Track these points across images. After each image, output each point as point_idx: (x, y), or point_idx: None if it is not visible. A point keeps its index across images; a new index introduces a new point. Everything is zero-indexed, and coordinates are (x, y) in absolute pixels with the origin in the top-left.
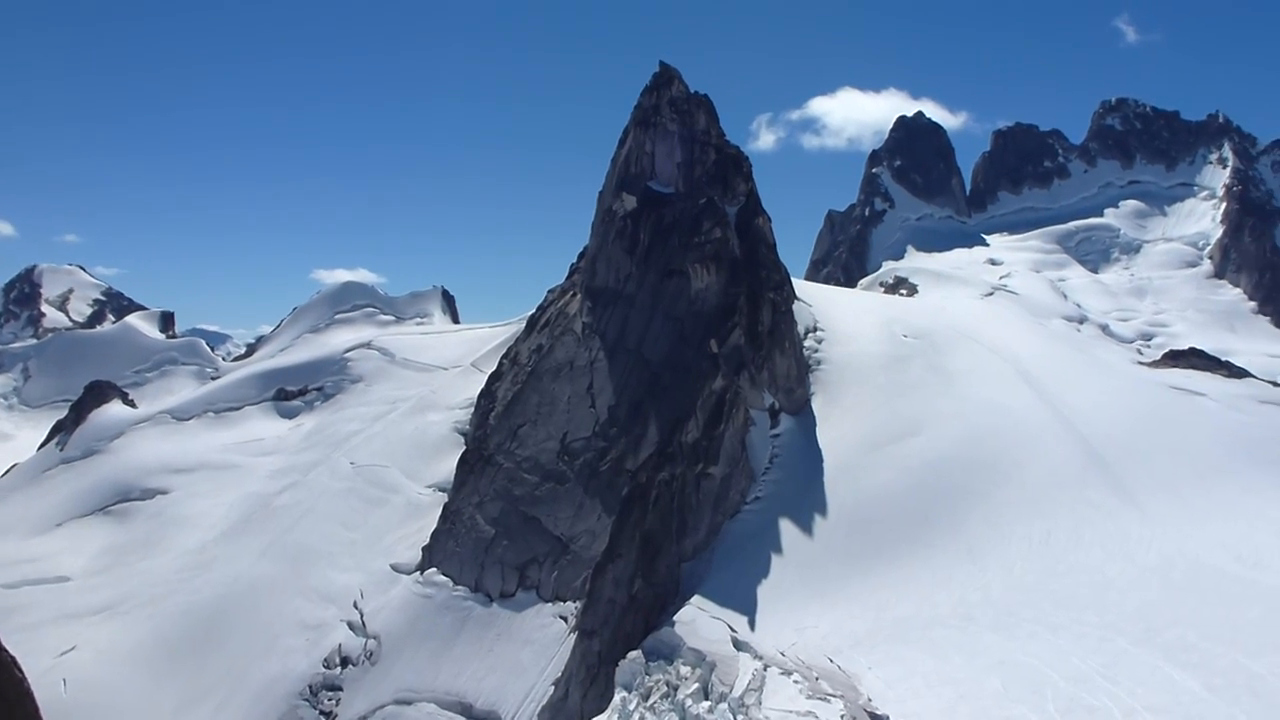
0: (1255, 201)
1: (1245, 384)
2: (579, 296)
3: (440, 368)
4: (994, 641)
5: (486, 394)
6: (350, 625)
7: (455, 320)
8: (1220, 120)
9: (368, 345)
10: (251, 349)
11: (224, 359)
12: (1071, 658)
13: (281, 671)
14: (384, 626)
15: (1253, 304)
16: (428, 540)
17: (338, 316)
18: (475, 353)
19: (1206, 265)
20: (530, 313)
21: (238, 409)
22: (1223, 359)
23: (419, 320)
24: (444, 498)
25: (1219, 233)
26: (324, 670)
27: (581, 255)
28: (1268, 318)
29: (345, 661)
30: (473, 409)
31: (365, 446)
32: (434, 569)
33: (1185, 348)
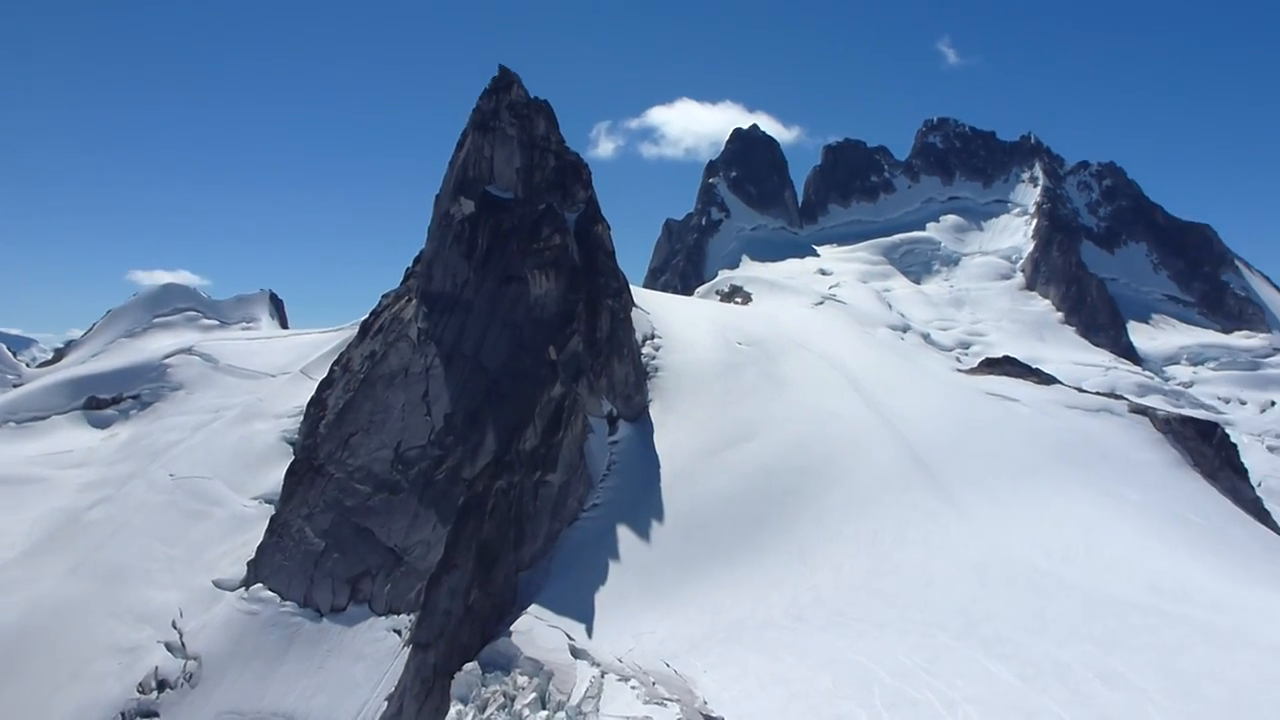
0: (1063, 219)
1: (1054, 390)
2: (414, 302)
3: (267, 374)
4: (824, 640)
5: (317, 402)
6: (168, 646)
7: (284, 325)
8: (1032, 141)
9: (189, 351)
10: (60, 354)
11: (28, 365)
12: (897, 653)
13: (91, 699)
14: (205, 646)
15: (1060, 314)
16: (253, 554)
17: (156, 320)
18: (305, 359)
19: (1019, 278)
20: (363, 318)
21: (44, 419)
22: (1033, 366)
23: (245, 325)
24: (271, 510)
25: (1030, 247)
26: (139, 695)
27: (417, 260)
28: (1074, 327)
29: (162, 685)
30: (302, 417)
31: (186, 457)
32: (260, 584)
33: (1000, 356)
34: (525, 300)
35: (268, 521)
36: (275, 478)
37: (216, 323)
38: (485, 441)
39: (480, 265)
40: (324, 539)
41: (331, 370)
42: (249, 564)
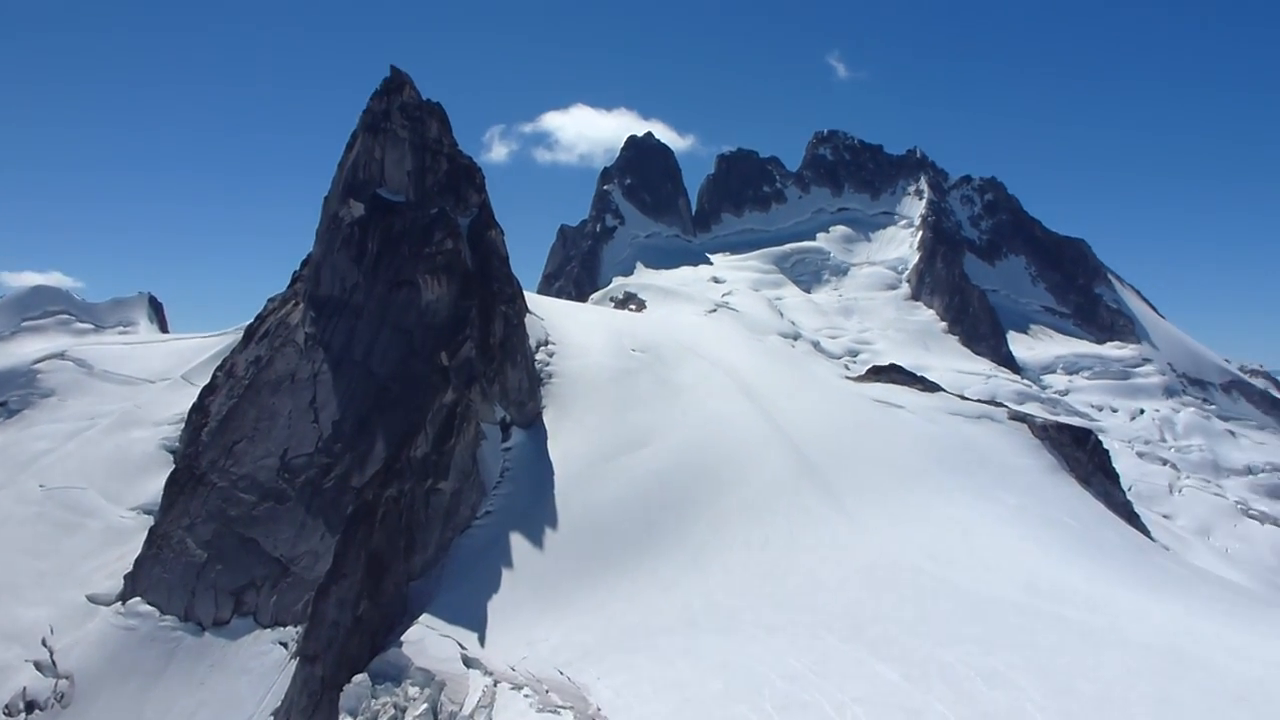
0: (947, 231)
1: (937, 397)
2: (301, 306)
3: (146, 380)
4: (716, 644)
5: (199, 408)
6: (37, 665)
7: (164, 329)
8: (918, 155)
9: (61, 355)
10: None
11: None
12: (787, 656)
13: None
14: (78, 664)
15: (944, 324)
16: (130, 567)
17: (25, 324)
18: (186, 364)
19: (905, 288)
20: (248, 322)
21: None
22: (918, 374)
23: (122, 329)
24: (150, 521)
25: (915, 259)
26: (5, 718)
27: (305, 263)
28: (956, 337)
29: (31, 706)
30: (183, 425)
31: (58, 467)
32: (138, 598)
33: (886, 364)
34: (416, 305)
35: (146, 533)
36: (154, 487)
37: (91, 326)
38: (375, 449)
39: (370, 269)
40: (206, 550)
41: (214, 376)
42: (126, 577)
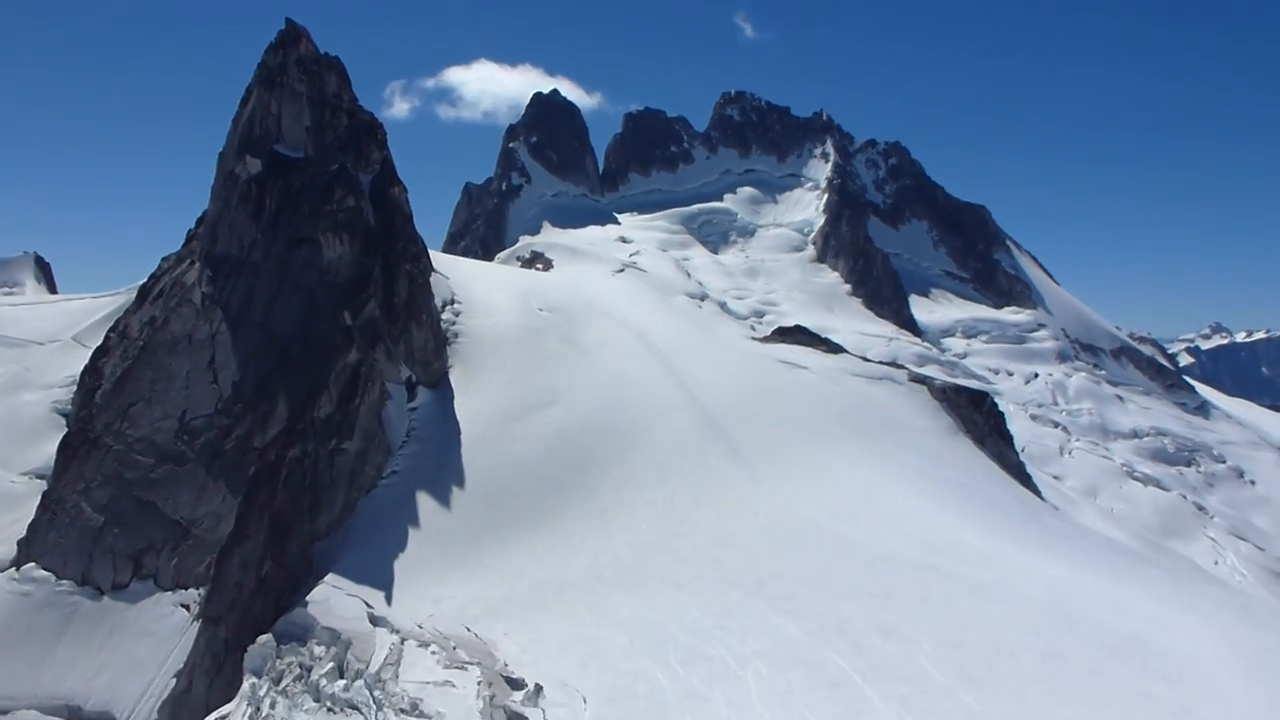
0: (851, 194)
1: (841, 359)
2: (197, 265)
3: (35, 342)
4: (622, 600)
5: (92, 370)
6: None
7: (52, 290)
8: (824, 118)
9: None
10: None
11: None
12: (691, 611)
13: None
14: None
15: (848, 286)
16: (24, 533)
17: None
18: (77, 325)
19: (810, 250)
20: (141, 282)
21: None
22: (822, 336)
23: (7, 290)
24: (43, 485)
25: (821, 221)
26: None
27: (200, 221)
28: (860, 299)
29: None
30: (75, 387)
31: None
32: (32, 564)
33: (791, 325)
34: (317, 264)
35: (39, 497)
36: (47, 451)
37: None
38: (277, 409)
39: (269, 227)
40: (103, 514)
41: (107, 337)
42: (19, 543)
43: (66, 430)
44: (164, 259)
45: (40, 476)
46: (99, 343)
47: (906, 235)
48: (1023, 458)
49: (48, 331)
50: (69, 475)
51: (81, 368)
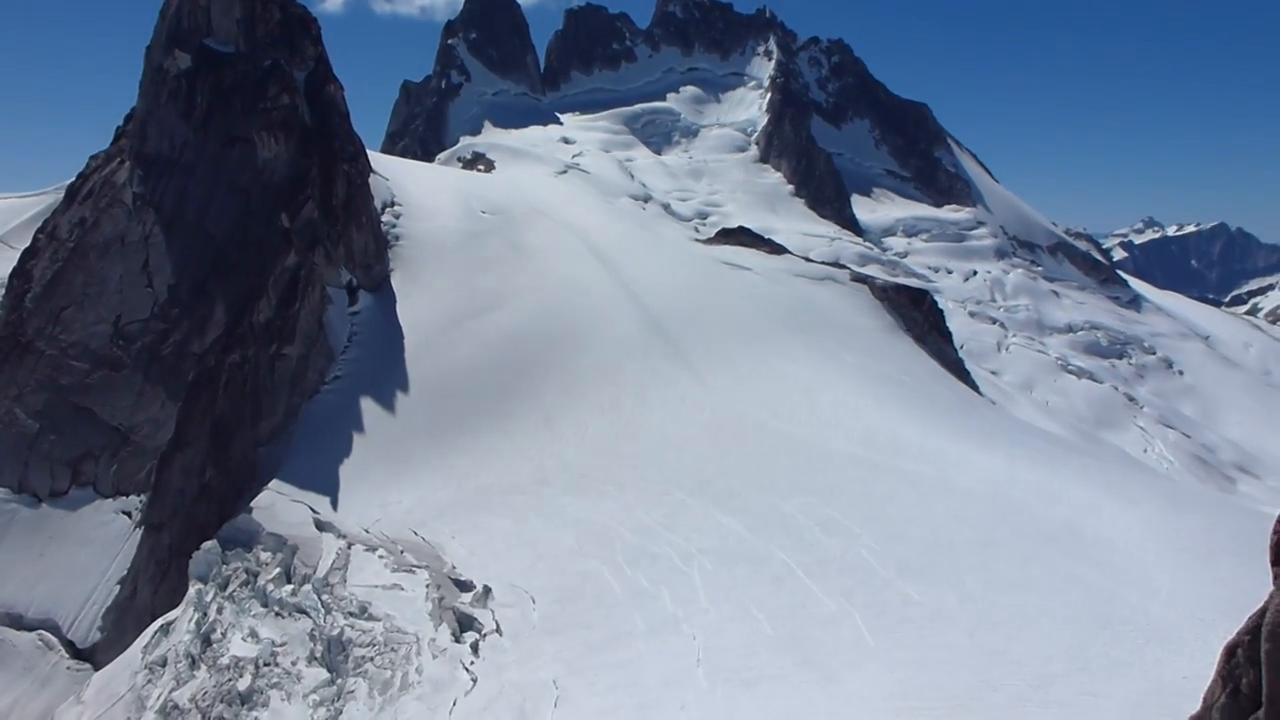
0: (795, 93)
1: (783, 260)
2: (128, 164)
3: None
4: (569, 503)
5: (20, 273)
6: None
7: None
8: (767, 15)
9: None
10: None
11: None
12: (637, 511)
13: None
14: None
15: (791, 187)
16: None
17: None
18: (3, 226)
19: (754, 150)
20: (69, 181)
21: None
22: (766, 237)
23: None
24: None
25: (764, 121)
26: None
27: (129, 118)
28: (803, 200)
29: None
30: (3, 291)
31: None
32: None
33: (735, 226)
34: (252, 164)
35: None
36: None
37: None
38: (215, 314)
39: (201, 126)
40: (38, 420)
41: (35, 239)
42: None
43: None
44: (92, 157)
45: None
46: (26, 244)
47: (849, 134)
48: (961, 354)
49: None
50: (1, 382)
51: (9, 270)
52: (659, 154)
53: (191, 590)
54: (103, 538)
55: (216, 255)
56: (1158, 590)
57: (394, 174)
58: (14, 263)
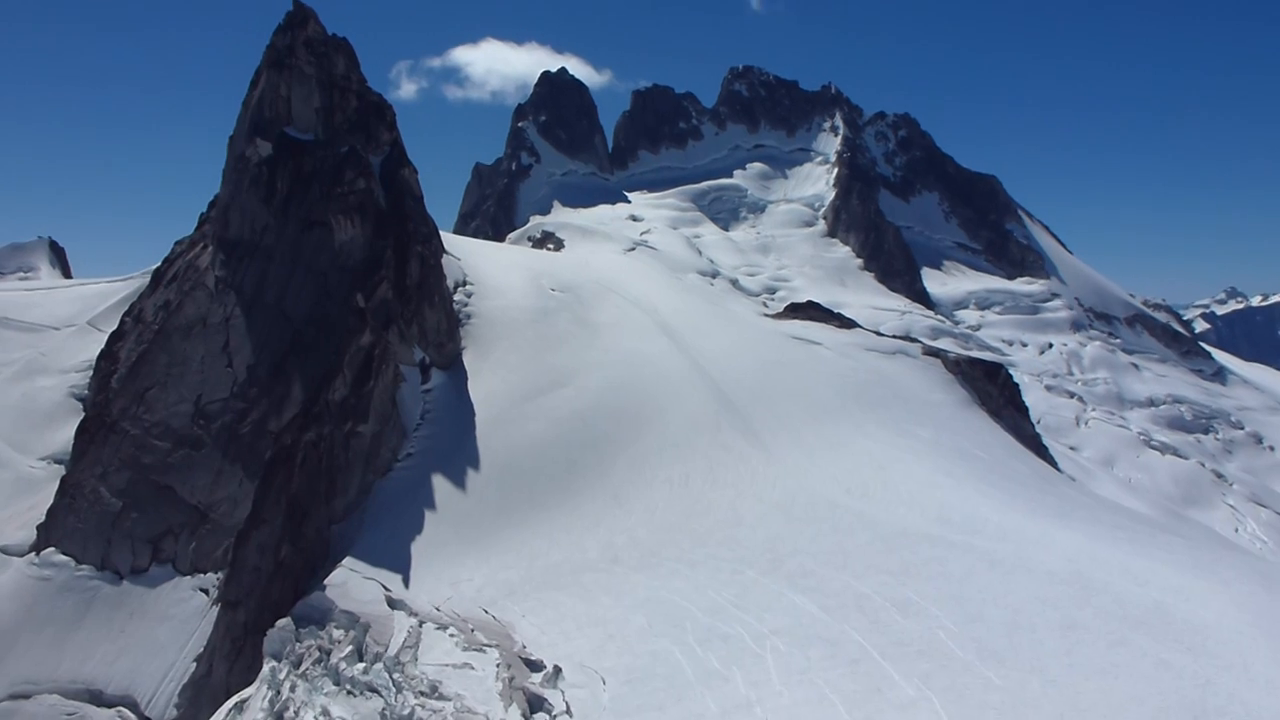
0: (862, 168)
1: (854, 334)
2: (210, 249)
3: (50, 327)
4: (639, 581)
5: (107, 355)
6: None
7: (66, 275)
8: (832, 91)
9: None
10: None
11: None
12: (708, 591)
13: None
14: None
15: (860, 261)
16: (43, 518)
17: None
18: (92, 310)
19: (821, 225)
20: (155, 266)
21: None
22: (835, 311)
23: (22, 275)
24: (60, 470)
25: (831, 195)
26: None
27: (212, 204)
28: (872, 273)
29: None
30: (91, 372)
31: None
32: (52, 549)
33: (804, 301)
34: (329, 247)
35: (58, 483)
36: (64, 436)
37: None
38: (292, 393)
39: (280, 210)
40: (121, 498)
41: (122, 322)
42: (39, 528)
43: (83, 415)
44: (177, 243)
45: (58, 461)
46: (114, 327)
47: (917, 207)
48: (1038, 429)
49: (63, 316)
50: (87, 460)
51: (97, 352)
52: (726, 230)
53: (266, 668)
54: (181, 614)
55: (294, 335)
56: (1255, 677)
57: (466, 254)
58: (102, 345)
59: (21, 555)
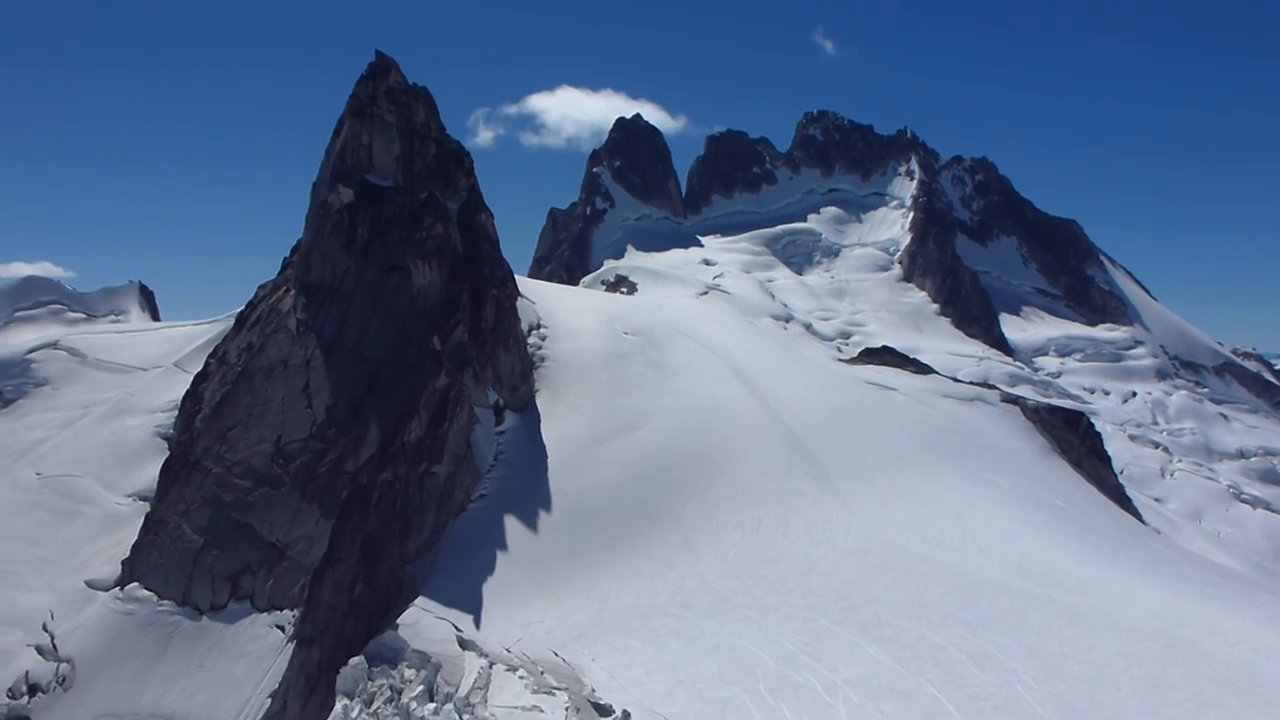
0: (938, 212)
1: (930, 379)
2: (293, 292)
3: (139, 368)
4: (709, 626)
5: (192, 395)
6: (39, 650)
7: (155, 317)
8: (908, 136)
9: (54, 345)
10: None
11: None
12: (780, 638)
13: None
14: (79, 648)
15: (936, 306)
16: (128, 553)
17: (18, 314)
18: (178, 352)
19: (897, 269)
20: (239, 309)
21: None
22: (910, 356)
23: (113, 318)
24: (145, 507)
25: (907, 240)
26: (9, 701)
27: (295, 249)
28: (949, 319)
29: (34, 690)
30: (177, 412)
31: (54, 455)
32: (135, 584)
33: (878, 346)
34: (408, 290)
35: (142, 519)
36: (149, 474)
37: (83, 316)
38: (369, 434)
39: (360, 255)
40: (202, 535)
41: (207, 363)
42: (123, 563)
43: (168, 454)
44: (261, 286)
45: (143, 498)
46: (199, 368)
47: (995, 252)
48: (1122, 480)
49: (151, 358)
50: (170, 497)
51: (183, 393)
52: (800, 274)
53: (338, 706)
54: (257, 651)
55: (372, 377)
56: None
57: (540, 297)
58: (187, 386)
59: (107, 590)
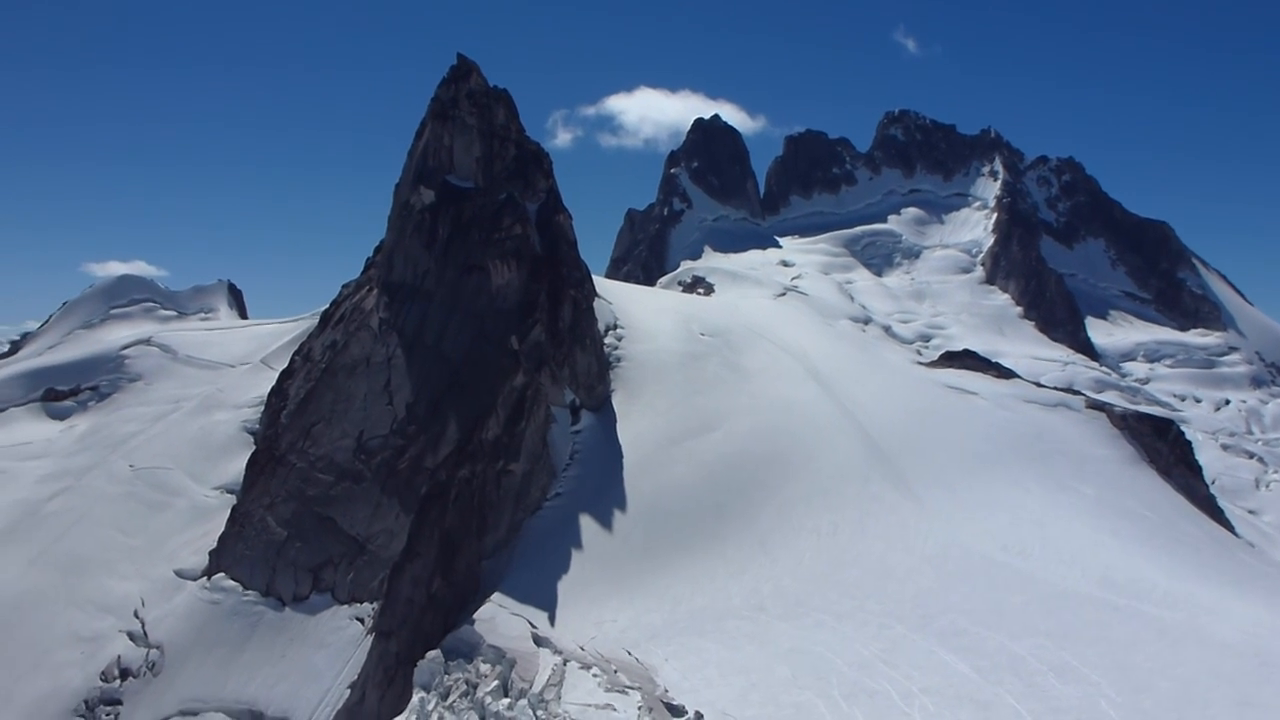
0: (1022, 213)
1: (1012, 384)
2: (375, 292)
3: (227, 365)
4: (784, 630)
5: (278, 392)
6: (130, 636)
7: (243, 316)
8: (992, 135)
9: (147, 342)
10: (16, 346)
11: None
12: (855, 644)
13: (53, 688)
14: (167, 635)
15: (1020, 309)
16: (215, 544)
17: (113, 311)
18: (265, 349)
19: (979, 271)
20: (324, 308)
21: (2, 411)
22: (993, 360)
23: (203, 315)
24: (232, 500)
25: (990, 241)
26: (101, 684)
27: (378, 249)
28: (1033, 322)
29: (125, 674)
30: (263, 407)
31: (145, 448)
32: (222, 574)
33: (960, 349)
34: (487, 290)
35: (229, 511)
36: (236, 468)
37: (174, 313)
38: (448, 431)
39: (441, 255)
40: (286, 528)
41: (292, 360)
42: (210, 554)
43: (254, 448)
44: (345, 286)
45: (230, 491)
46: (285, 365)
47: (1081, 254)
48: (1213, 490)
49: (239, 355)
50: (256, 491)
51: (269, 389)
52: (879, 276)
53: (415, 698)
54: (337, 642)
55: (451, 375)
56: None
57: (617, 298)
58: (273, 382)
59: (195, 579)
